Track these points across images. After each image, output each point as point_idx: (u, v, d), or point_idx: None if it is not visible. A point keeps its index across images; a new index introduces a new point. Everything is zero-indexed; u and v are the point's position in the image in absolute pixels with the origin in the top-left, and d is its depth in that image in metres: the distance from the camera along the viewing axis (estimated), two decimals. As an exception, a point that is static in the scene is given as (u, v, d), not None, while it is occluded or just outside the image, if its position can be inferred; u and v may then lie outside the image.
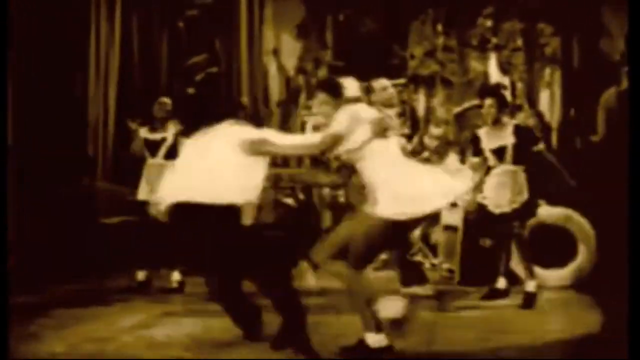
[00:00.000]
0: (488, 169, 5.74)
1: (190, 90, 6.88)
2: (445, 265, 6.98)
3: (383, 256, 6.49)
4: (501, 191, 5.62)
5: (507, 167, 5.66)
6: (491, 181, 5.68)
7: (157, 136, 6.60)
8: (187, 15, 8.63)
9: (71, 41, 8.70)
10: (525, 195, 5.58)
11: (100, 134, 8.79)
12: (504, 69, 9.43)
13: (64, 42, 8.65)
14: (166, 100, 6.75)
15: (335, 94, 4.10)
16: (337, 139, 3.95)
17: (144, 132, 6.65)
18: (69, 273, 6.91)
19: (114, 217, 8.11)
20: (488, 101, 5.73)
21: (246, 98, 8.05)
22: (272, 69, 9.11)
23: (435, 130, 8.76)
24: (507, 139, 5.69)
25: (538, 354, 4.39)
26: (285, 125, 9.23)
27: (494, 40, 9.43)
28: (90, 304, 5.76)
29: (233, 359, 4.23)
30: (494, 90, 5.98)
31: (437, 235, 7.30)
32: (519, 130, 5.74)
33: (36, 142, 8.19)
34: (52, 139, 8.31)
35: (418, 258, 7.42)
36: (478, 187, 5.62)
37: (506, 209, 5.60)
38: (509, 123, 5.83)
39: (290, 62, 9.25)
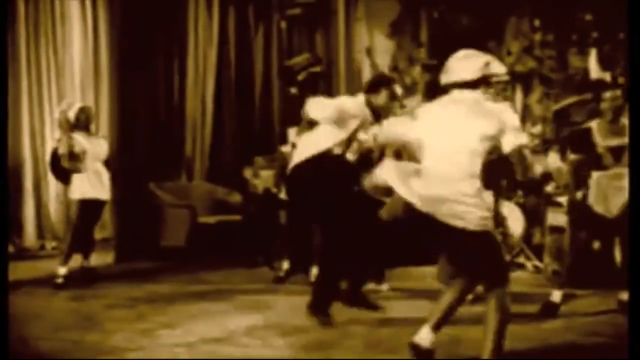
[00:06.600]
0: (597, 166, 5.20)
1: (293, 90, 6.86)
2: (551, 268, 6.76)
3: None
4: (613, 194, 5.11)
5: (622, 169, 5.06)
6: (602, 182, 5.16)
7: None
8: (289, 14, 8.63)
9: (169, 41, 8.84)
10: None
11: (199, 134, 8.91)
12: (605, 64, 9.07)
13: (163, 41, 8.78)
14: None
15: None
16: None
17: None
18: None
19: (211, 216, 8.23)
20: (611, 94, 5.23)
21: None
22: (366, 67, 9.01)
23: (534, 129, 8.53)
24: (625, 138, 5.05)
25: None
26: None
27: (594, 34, 9.07)
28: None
29: None
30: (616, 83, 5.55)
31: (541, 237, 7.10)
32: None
33: (136, 143, 8.37)
34: (151, 139, 8.48)
35: (520, 260, 7.24)
36: (581, 186, 5.27)
37: (615, 213, 5.11)
38: (625, 122, 5.19)
39: (384, 61, 9.13)
